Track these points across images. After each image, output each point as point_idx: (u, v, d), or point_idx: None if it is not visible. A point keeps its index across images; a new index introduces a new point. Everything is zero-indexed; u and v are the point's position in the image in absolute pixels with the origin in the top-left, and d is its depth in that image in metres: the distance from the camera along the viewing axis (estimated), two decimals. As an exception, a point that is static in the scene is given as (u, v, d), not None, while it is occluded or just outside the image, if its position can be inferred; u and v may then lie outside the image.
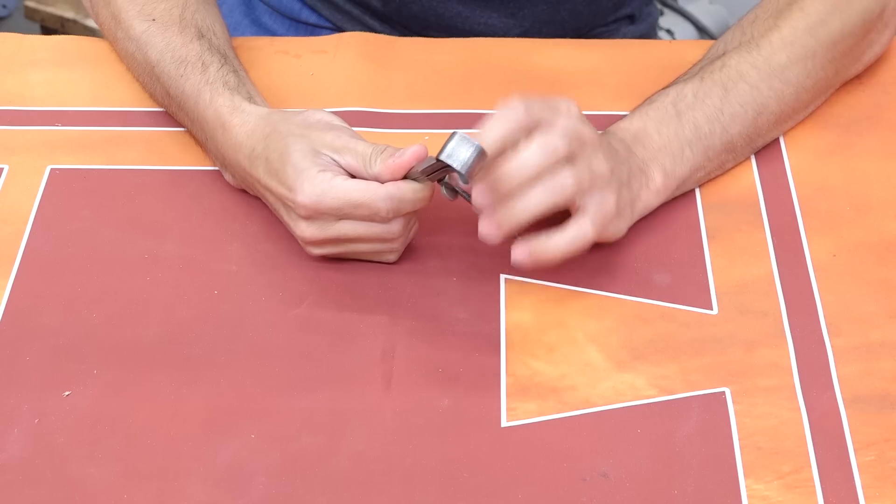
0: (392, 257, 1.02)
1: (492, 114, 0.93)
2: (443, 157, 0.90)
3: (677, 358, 0.97)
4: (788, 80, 1.09)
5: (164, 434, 0.92)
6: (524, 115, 0.94)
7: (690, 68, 1.10)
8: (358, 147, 0.98)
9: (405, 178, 0.97)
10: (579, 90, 1.17)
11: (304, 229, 0.99)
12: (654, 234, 1.04)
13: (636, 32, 1.38)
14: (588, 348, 0.97)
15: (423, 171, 0.96)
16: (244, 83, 1.08)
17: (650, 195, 1.03)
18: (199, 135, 1.09)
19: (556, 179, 0.94)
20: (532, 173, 0.94)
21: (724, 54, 1.09)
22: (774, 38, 1.09)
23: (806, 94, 1.10)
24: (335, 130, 1.00)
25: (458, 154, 0.90)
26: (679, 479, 0.89)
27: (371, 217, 0.98)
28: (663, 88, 1.08)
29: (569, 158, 0.95)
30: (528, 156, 0.94)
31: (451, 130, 0.91)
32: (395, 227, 0.99)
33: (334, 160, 0.98)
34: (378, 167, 0.97)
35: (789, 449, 0.91)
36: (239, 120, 1.04)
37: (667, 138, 1.04)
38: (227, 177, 1.08)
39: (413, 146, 0.96)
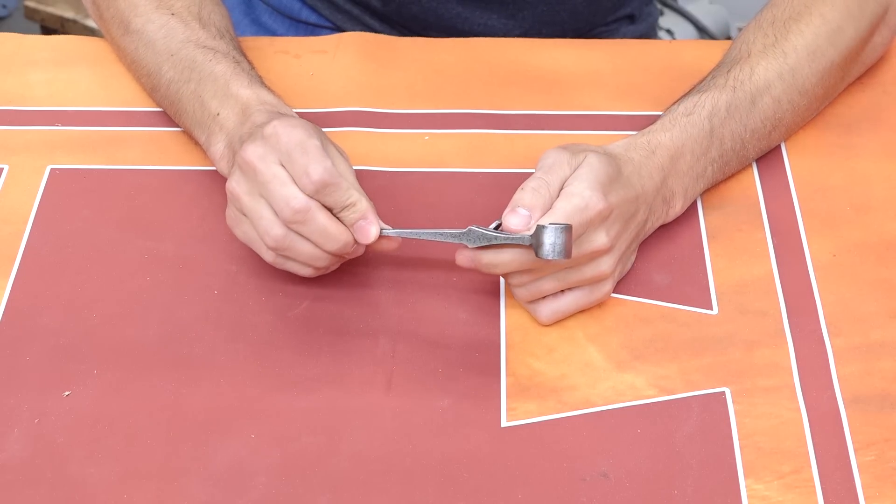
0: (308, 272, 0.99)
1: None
2: (550, 257, 0.90)
3: (677, 358, 0.97)
4: (806, 90, 1.08)
5: (163, 434, 0.92)
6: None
7: (717, 68, 1.09)
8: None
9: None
10: (579, 90, 1.17)
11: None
12: (654, 234, 1.04)
13: (636, 32, 1.38)
14: (588, 348, 0.97)
15: (478, 248, 0.94)
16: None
17: (667, 219, 1.03)
18: (209, 106, 1.05)
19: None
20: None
21: (749, 56, 1.08)
22: (800, 45, 1.08)
23: (816, 102, 1.11)
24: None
25: (557, 246, 0.90)
26: (679, 479, 0.89)
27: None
28: (697, 93, 1.06)
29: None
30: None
31: (540, 224, 0.90)
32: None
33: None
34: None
35: (789, 449, 0.91)
36: (287, 110, 1.03)
37: (696, 158, 1.03)
38: (219, 134, 1.04)
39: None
